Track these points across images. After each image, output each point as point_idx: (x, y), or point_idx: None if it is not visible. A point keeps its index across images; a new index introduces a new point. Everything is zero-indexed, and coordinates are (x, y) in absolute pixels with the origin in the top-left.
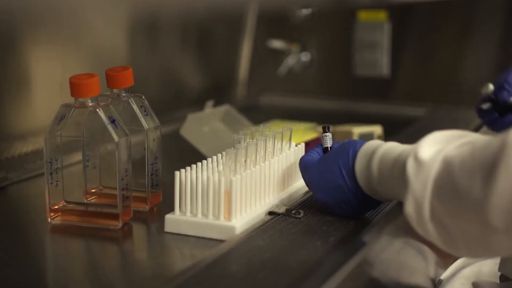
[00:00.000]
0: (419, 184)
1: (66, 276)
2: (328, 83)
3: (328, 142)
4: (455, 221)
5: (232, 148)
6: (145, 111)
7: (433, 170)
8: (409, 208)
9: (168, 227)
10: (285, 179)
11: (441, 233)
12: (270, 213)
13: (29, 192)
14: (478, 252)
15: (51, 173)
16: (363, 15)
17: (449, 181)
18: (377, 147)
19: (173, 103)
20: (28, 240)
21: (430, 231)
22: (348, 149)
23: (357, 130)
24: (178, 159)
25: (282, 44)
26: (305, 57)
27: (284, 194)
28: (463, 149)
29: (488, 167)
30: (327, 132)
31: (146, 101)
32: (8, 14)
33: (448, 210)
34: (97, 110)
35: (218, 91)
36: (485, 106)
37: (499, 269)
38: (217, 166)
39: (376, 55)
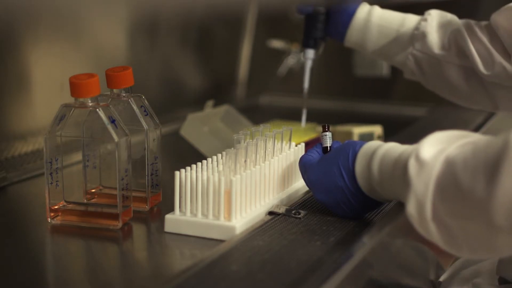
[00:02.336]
0: (421, 184)
1: (66, 276)
2: (328, 83)
3: (328, 142)
4: (457, 221)
5: (232, 148)
6: (145, 111)
7: (435, 170)
8: (411, 208)
9: (168, 227)
10: (285, 179)
11: (443, 233)
12: (270, 213)
13: (29, 192)
14: (481, 252)
15: (51, 173)
16: None
17: (451, 181)
18: (377, 148)
19: (173, 103)
20: (28, 240)
21: (432, 231)
22: (347, 150)
23: (357, 130)
24: (178, 159)
25: (282, 44)
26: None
27: (284, 194)
28: (465, 149)
29: (491, 166)
30: (326, 131)
31: (146, 101)
32: (8, 14)
33: (451, 210)
34: (97, 110)
35: (218, 91)
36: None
37: (498, 272)
38: (217, 166)
39: None
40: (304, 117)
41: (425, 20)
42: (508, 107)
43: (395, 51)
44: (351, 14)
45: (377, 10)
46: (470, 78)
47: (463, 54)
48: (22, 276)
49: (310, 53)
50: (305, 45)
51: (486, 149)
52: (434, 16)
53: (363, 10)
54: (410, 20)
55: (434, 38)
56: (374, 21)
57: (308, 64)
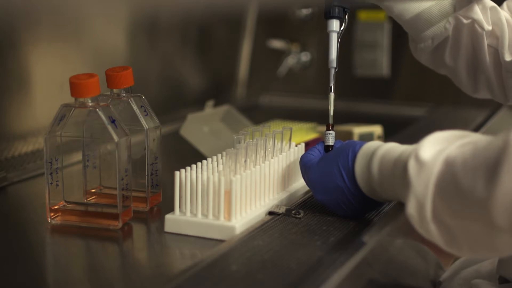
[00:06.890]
0: (421, 185)
1: (66, 276)
2: (328, 83)
3: (331, 140)
4: (458, 221)
5: (232, 148)
6: (145, 111)
7: (435, 170)
8: (411, 208)
9: (168, 227)
10: (285, 179)
11: (443, 234)
12: (270, 213)
13: (29, 192)
14: (481, 251)
15: (51, 173)
16: (363, 15)
17: (451, 181)
18: (376, 148)
19: (173, 103)
20: (28, 240)
21: (432, 231)
22: (347, 150)
23: (357, 130)
24: (178, 159)
25: (282, 44)
26: (305, 57)
27: (284, 194)
28: (465, 149)
29: (491, 166)
30: (330, 130)
31: (146, 101)
32: (8, 14)
33: (451, 210)
34: (97, 110)
35: (218, 91)
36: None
37: (498, 271)
38: (217, 166)
39: (376, 55)
40: (331, 109)
41: None
42: None
43: (434, 14)
44: None
45: None
46: (492, 62)
47: (494, 33)
48: (22, 276)
49: (335, 24)
50: (328, 15)
51: (486, 149)
52: None
53: None
54: None
55: (477, 6)
56: None
57: (333, 38)
